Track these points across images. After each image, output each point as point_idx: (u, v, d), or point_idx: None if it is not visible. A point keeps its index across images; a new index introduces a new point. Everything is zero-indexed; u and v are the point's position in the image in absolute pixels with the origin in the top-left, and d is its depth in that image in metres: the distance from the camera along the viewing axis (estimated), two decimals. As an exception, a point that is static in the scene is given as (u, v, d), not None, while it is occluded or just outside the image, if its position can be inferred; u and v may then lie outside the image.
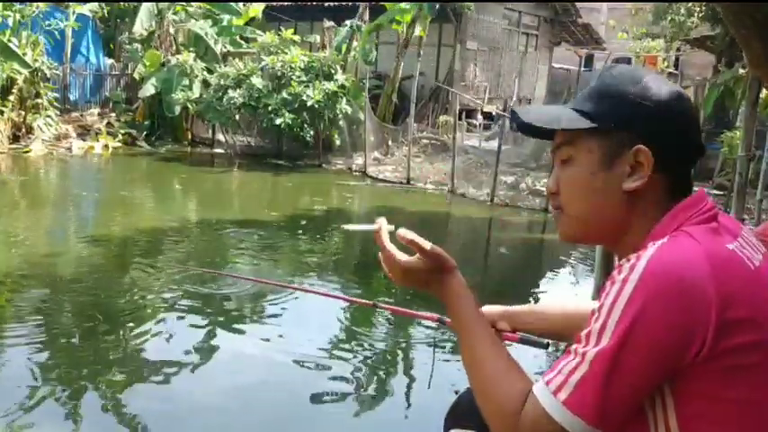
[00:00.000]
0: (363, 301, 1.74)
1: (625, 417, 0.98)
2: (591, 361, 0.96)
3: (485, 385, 1.10)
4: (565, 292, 5.94)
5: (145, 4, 14.66)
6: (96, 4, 16.16)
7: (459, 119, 12.67)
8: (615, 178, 1.10)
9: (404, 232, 1.21)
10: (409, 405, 3.64)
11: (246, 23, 15.86)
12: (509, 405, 1.03)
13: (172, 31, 14.63)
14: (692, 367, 0.94)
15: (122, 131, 14.22)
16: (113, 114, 14.88)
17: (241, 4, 15.95)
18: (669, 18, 17.46)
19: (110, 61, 16.59)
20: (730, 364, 0.95)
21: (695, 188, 1.12)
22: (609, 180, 1.10)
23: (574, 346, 1.00)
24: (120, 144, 13.94)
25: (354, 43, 14.37)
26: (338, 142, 13.19)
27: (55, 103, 13.80)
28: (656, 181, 1.08)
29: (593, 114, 1.11)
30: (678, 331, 0.93)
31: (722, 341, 0.93)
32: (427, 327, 4.63)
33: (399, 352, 4.37)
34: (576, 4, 19.52)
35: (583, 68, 22.40)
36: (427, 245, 1.22)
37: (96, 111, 15.21)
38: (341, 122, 12.96)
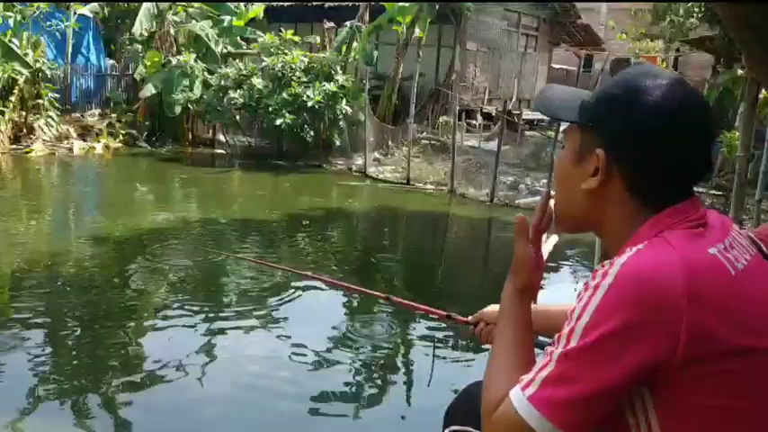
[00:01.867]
0: (377, 293, 1.78)
1: (593, 421, 0.98)
2: (556, 361, 0.97)
3: (485, 380, 1.12)
4: (565, 291, 5.97)
5: (145, 5, 14.67)
6: (97, 4, 16.19)
7: (459, 119, 12.69)
8: (581, 175, 1.10)
9: (533, 224, 1.22)
10: (409, 404, 3.66)
11: (247, 24, 15.88)
12: (492, 401, 1.05)
13: (172, 31, 14.65)
14: (669, 375, 0.94)
15: (123, 132, 14.25)
16: (114, 115, 14.90)
17: (242, 4, 15.97)
18: (668, 19, 17.50)
19: (110, 62, 16.62)
20: (710, 371, 0.94)
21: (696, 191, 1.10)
22: (576, 175, 1.11)
23: (547, 348, 1.02)
24: (120, 144, 13.97)
25: (354, 44, 14.39)
26: (338, 143, 13.21)
27: (56, 104, 13.81)
28: (621, 189, 1.07)
29: (582, 108, 1.12)
30: (646, 337, 0.93)
31: (697, 348, 0.93)
32: (427, 326, 4.65)
33: (399, 351, 4.40)
34: (576, 4, 19.54)
35: (582, 69, 22.47)
36: (522, 242, 1.21)
37: (97, 111, 15.24)
38: (341, 123, 12.98)
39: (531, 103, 19.44)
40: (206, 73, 13.92)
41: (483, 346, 3.82)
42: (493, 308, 1.63)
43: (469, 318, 1.69)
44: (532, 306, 1.52)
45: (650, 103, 1.03)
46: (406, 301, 1.81)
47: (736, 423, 0.98)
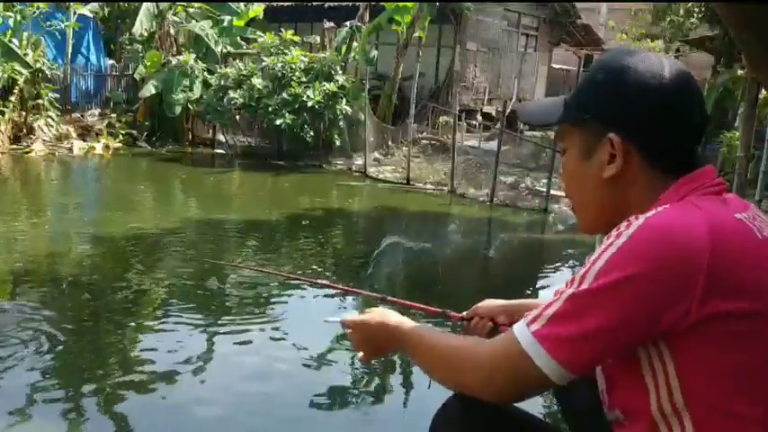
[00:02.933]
0: (373, 294, 1.81)
1: (595, 360, 1.01)
2: (565, 300, 0.99)
3: (453, 361, 1.14)
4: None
5: (145, 5, 14.67)
6: (97, 4, 16.19)
7: (459, 119, 12.69)
8: (596, 166, 1.11)
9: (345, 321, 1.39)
10: (409, 405, 3.66)
11: (247, 24, 15.88)
12: (481, 357, 1.08)
13: (172, 31, 14.66)
14: (685, 330, 0.94)
15: (123, 132, 14.25)
16: (114, 115, 14.89)
17: (242, 4, 15.97)
18: (668, 19, 17.48)
19: (110, 62, 16.62)
20: (728, 329, 0.94)
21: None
22: (591, 169, 1.12)
23: (558, 289, 1.03)
24: (120, 144, 13.97)
25: (354, 44, 14.40)
26: (338, 143, 13.21)
27: (56, 104, 13.82)
28: (641, 164, 1.08)
29: (572, 105, 1.15)
30: (659, 289, 0.93)
31: (713, 306, 0.93)
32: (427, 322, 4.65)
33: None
34: (576, 4, 19.54)
35: (582, 69, 22.44)
36: (354, 317, 1.38)
37: (97, 111, 15.24)
38: (341, 123, 12.98)
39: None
40: (206, 73, 13.92)
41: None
42: (487, 302, 1.66)
43: (464, 313, 1.70)
44: (529, 301, 1.61)
45: (639, 72, 1.07)
46: (402, 300, 1.83)
47: (755, 381, 0.98)
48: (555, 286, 5.26)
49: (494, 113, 16.41)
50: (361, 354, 1.38)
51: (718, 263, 0.93)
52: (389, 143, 13.73)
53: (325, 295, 5.41)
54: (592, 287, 0.96)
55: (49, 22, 14.01)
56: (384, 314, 1.33)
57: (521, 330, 1.02)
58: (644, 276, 0.93)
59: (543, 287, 6.25)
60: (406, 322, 1.29)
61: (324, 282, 2.38)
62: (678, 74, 1.08)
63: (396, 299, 1.81)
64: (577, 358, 0.98)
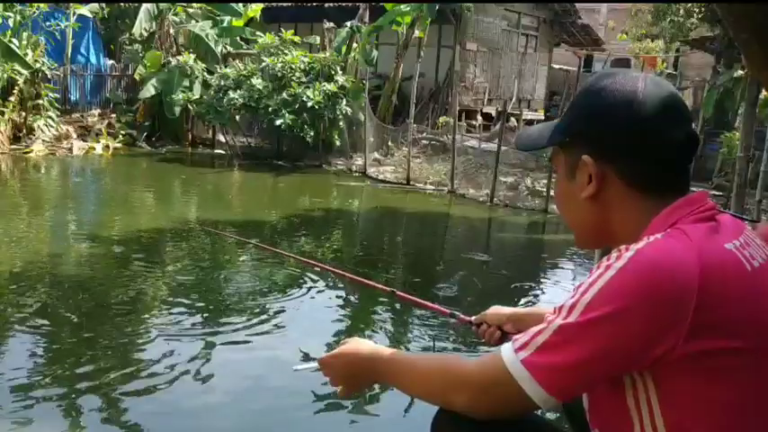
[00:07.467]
0: (382, 286, 1.80)
1: (582, 388, 1.04)
2: (554, 331, 0.99)
3: (437, 381, 1.15)
4: (566, 293, 5.96)
5: (144, 6, 14.67)
6: (97, 4, 16.19)
7: (459, 120, 12.69)
8: (579, 188, 1.13)
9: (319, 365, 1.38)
10: (409, 405, 3.65)
11: (246, 24, 15.88)
12: (467, 376, 1.10)
13: (172, 32, 14.65)
14: (671, 364, 0.95)
15: (123, 132, 14.25)
16: (114, 115, 14.90)
17: (241, 4, 15.97)
18: (668, 19, 17.49)
19: (110, 62, 16.62)
20: (714, 364, 0.95)
21: (695, 189, 1.12)
22: (575, 190, 1.14)
23: (547, 316, 1.03)
24: (120, 145, 13.97)
25: (354, 44, 14.39)
26: (338, 143, 13.21)
27: (55, 104, 13.83)
28: (621, 186, 1.09)
29: (557, 128, 1.17)
30: (647, 325, 0.93)
31: (700, 342, 0.93)
32: (428, 327, 4.65)
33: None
34: (576, 4, 19.55)
35: (582, 69, 22.45)
36: (328, 354, 1.37)
37: (97, 111, 15.23)
38: (341, 123, 12.98)
39: (531, 104, 19.46)
40: (206, 73, 13.92)
41: (482, 346, 3.77)
42: (495, 309, 1.66)
43: (473, 318, 1.70)
44: (536, 309, 1.61)
45: (612, 93, 1.07)
46: (411, 297, 1.82)
47: (737, 414, 0.98)
48: (554, 287, 5.24)
49: (494, 113, 16.40)
50: (339, 389, 1.35)
51: (706, 300, 0.93)
52: (389, 143, 13.72)
53: (328, 293, 5.42)
54: (580, 320, 0.97)
55: (48, 23, 14.01)
56: (358, 343, 1.33)
57: (509, 355, 1.03)
58: (632, 312, 0.94)
59: (543, 285, 6.25)
60: (381, 349, 1.29)
61: (338, 270, 2.36)
62: (654, 93, 1.06)
63: (405, 295, 1.80)
64: (563, 386, 1.00)
